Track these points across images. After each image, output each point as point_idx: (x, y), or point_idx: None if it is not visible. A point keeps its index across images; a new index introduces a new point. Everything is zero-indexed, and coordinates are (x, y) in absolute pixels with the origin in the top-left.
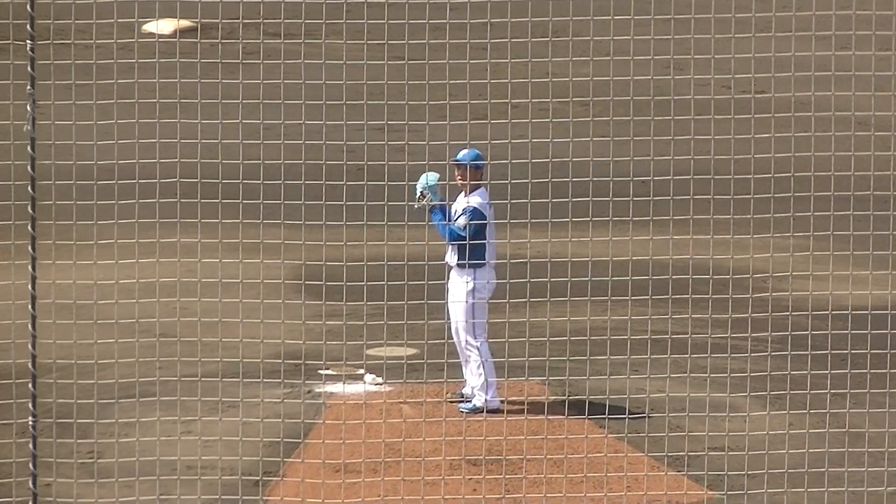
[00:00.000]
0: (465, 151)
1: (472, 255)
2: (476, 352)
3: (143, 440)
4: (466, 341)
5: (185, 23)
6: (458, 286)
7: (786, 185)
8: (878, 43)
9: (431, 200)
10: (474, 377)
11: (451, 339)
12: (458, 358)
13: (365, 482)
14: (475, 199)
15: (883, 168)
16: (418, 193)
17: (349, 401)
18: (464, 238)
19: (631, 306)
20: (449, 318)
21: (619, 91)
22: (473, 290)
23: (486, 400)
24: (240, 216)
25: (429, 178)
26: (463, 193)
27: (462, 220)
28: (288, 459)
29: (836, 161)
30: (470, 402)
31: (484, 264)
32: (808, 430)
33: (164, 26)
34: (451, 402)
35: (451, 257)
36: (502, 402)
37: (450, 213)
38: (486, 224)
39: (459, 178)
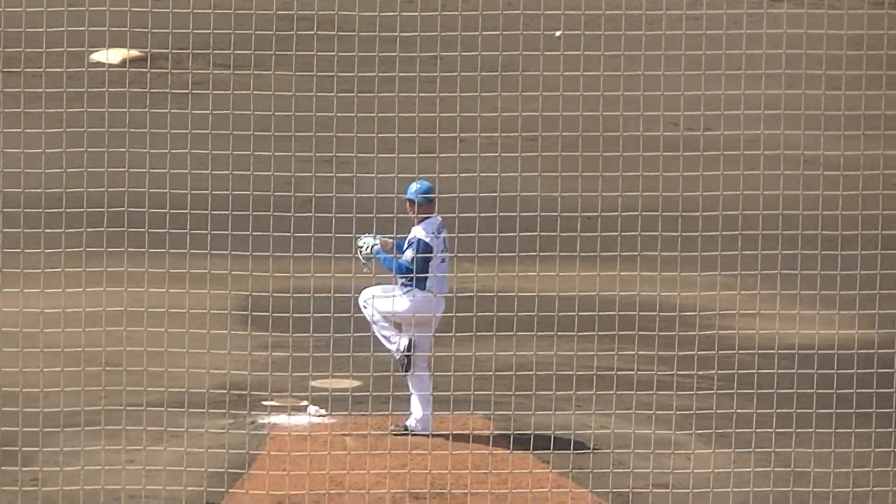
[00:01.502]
0: (416, 185)
1: (417, 285)
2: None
3: (88, 469)
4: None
5: (134, 52)
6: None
7: (734, 223)
8: (828, 82)
9: (370, 246)
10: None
11: (397, 371)
12: (407, 391)
13: None
14: (419, 232)
15: (831, 207)
16: (358, 254)
17: (293, 432)
18: (411, 270)
19: (577, 342)
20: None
21: (567, 126)
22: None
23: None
24: (187, 246)
25: (363, 239)
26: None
27: (409, 254)
28: (231, 490)
29: (784, 200)
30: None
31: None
32: (753, 468)
33: (112, 56)
34: (395, 434)
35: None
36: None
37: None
38: (430, 256)
39: (410, 211)
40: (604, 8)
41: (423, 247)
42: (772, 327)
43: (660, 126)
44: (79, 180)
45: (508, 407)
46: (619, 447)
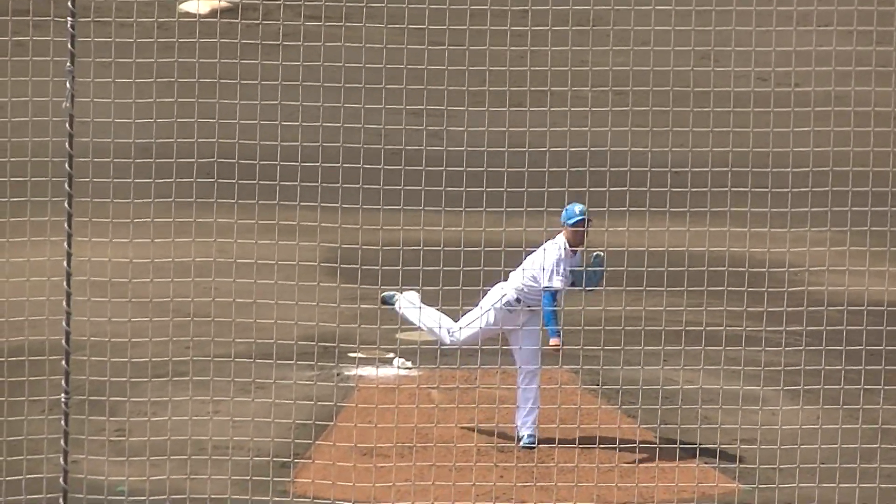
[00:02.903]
0: (580, 206)
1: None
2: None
3: (174, 419)
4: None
5: (223, 3)
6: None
7: (823, 179)
8: None
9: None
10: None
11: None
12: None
13: (395, 466)
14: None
15: None
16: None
17: (381, 385)
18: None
19: (666, 297)
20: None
21: (657, 81)
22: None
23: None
24: (276, 198)
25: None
26: (573, 248)
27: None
28: (318, 442)
29: (874, 157)
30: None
31: None
32: (841, 425)
33: (202, 6)
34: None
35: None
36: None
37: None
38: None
39: (582, 233)
40: None
41: None
42: (861, 284)
43: (750, 81)
44: (168, 131)
45: (596, 361)
46: (706, 402)
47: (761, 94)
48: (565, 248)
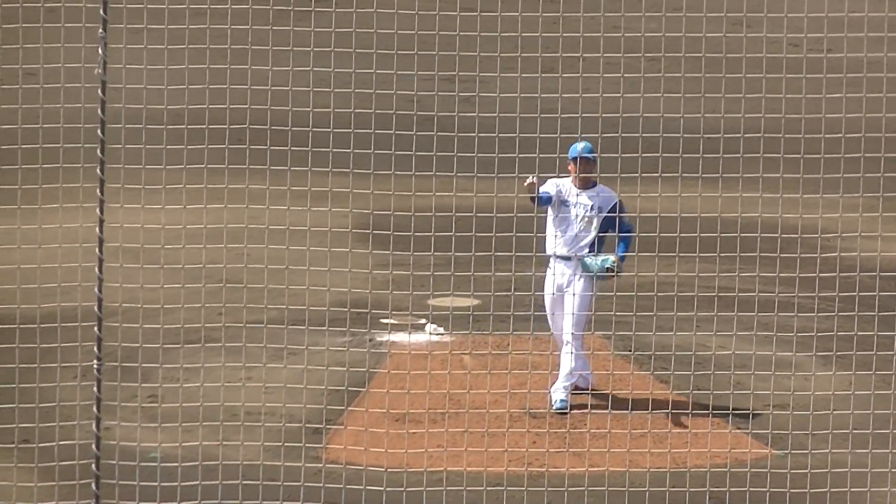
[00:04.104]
0: (581, 145)
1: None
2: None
3: (207, 386)
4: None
5: None
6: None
7: (856, 145)
8: None
9: (614, 264)
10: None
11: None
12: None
13: (428, 432)
14: (609, 191)
15: None
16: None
17: (413, 351)
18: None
19: (698, 262)
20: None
21: (689, 47)
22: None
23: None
24: (308, 164)
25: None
26: (580, 184)
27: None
28: (350, 408)
29: None
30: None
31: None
32: (873, 390)
33: None
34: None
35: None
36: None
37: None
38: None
39: (582, 171)
40: None
41: None
42: (893, 249)
43: (782, 47)
44: (200, 97)
45: (629, 327)
46: (738, 368)
47: (793, 60)
48: (566, 185)
